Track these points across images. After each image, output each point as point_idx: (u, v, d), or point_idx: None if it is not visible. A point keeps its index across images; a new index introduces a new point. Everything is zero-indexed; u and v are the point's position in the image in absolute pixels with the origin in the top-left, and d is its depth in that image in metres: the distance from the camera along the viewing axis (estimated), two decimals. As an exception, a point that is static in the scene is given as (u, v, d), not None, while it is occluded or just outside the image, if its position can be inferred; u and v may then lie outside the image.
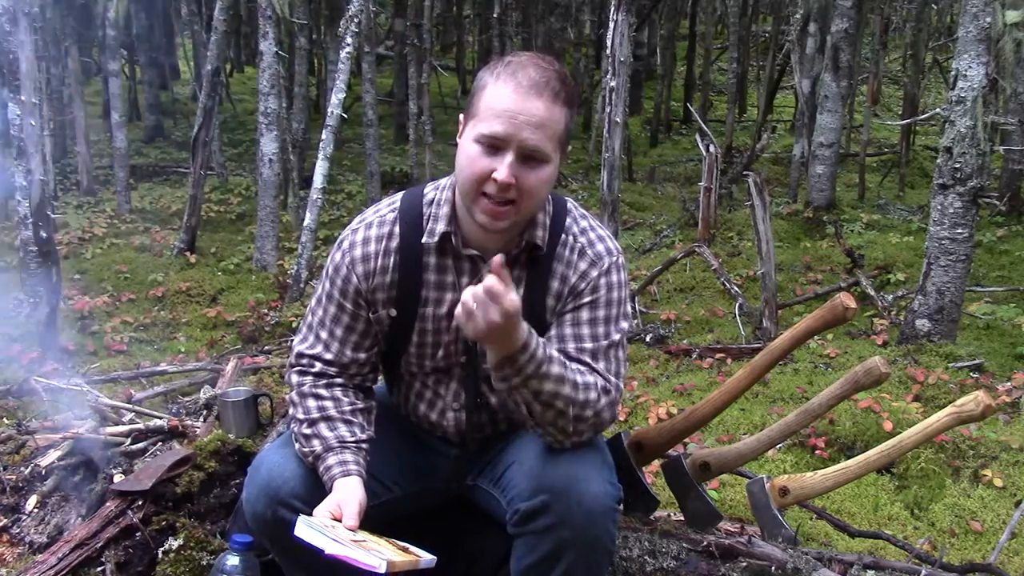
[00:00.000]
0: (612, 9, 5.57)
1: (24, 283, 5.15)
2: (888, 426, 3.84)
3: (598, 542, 1.69)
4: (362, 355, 1.88)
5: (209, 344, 5.75)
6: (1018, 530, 3.10)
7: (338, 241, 1.87)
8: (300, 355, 1.89)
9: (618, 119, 5.62)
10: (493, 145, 1.65)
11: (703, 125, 8.79)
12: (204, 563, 2.15)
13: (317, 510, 1.69)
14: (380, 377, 2.05)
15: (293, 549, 1.71)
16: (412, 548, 1.72)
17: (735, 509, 3.19)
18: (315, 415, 1.83)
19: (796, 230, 8.33)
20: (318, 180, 6.42)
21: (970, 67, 4.80)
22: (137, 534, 2.19)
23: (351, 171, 11.69)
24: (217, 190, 10.52)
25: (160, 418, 2.60)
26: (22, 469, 2.45)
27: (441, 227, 1.79)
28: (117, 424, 2.62)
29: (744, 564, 2.08)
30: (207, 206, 9.52)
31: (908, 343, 5.14)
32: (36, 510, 2.35)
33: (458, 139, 1.73)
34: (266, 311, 6.34)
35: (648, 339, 5.64)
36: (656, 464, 2.45)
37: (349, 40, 6.40)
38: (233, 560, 1.90)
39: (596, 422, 1.72)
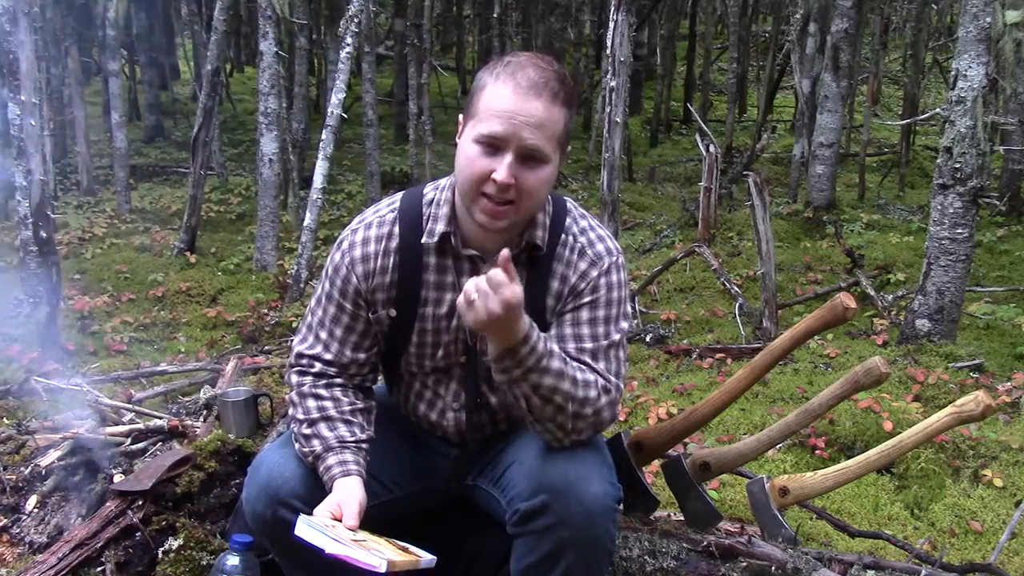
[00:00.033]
0: (612, 9, 5.57)
1: (24, 283, 5.15)
2: (888, 426, 3.84)
3: (598, 542, 1.69)
4: (362, 355, 1.88)
5: (209, 344, 5.75)
6: (1018, 530, 3.10)
7: (338, 241, 1.87)
8: (300, 355, 1.89)
9: (618, 119, 5.62)
10: (492, 145, 1.65)
11: (703, 125, 8.79)
12: (204, 563, 2.15)
13: (317, 510, 1.69)
14: (380, 377, 2.05)
15: (293, 549, 1.71)
16: (412, 548, 1.72)
17: (735, 509, 3.19)
18: (315, 415, 1.83)
19: (796, 230, 8.33)
20: (318, 180, 6.42)
21: (970, 67, 4.80)
22: (137, 534, 2.19)
23: (351, 171, 11.69)
24: (217, 190, 10.52)
25: (160, 418, 2.60)
26: (22, 469, 2.45)
27: (441, 227, 1.79)
28: (117, 424, 2.62)
29: (744, 564, 2.08)
30: (207, 206, 9.52)
31: (908, 343, 5.14)
32: (36, 510, 2.35)
33: (457, 139, 1.73)
34: (266, 311, 6.34)
35: (648, 339, 5.64)
36: (656, 464, 2.45)
37: (349, 40, 6.40)
38: (233, 560, 1.90)
39: (595, 421, 1.72)
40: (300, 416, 1.84)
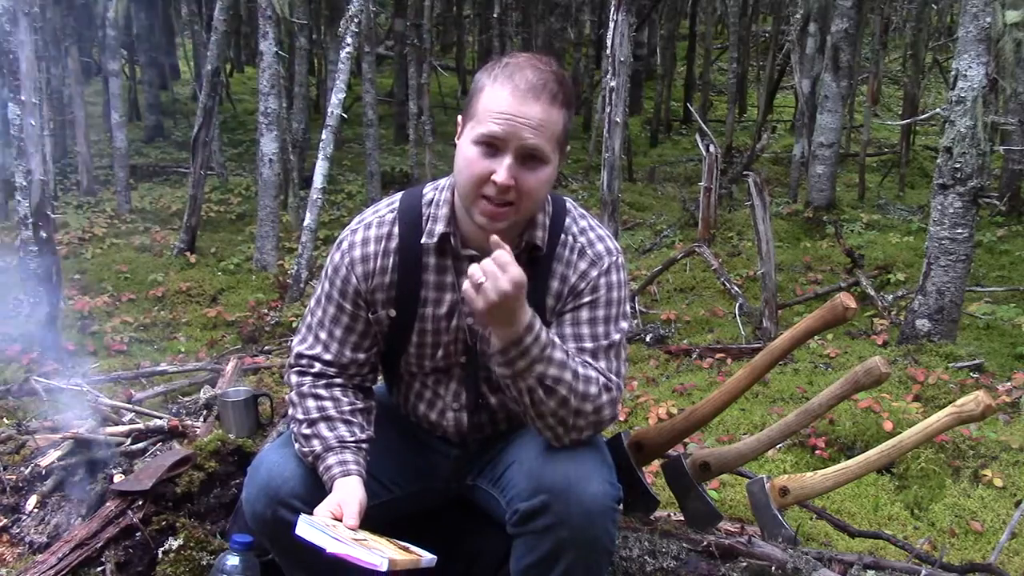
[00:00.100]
0: (612, 9, 5.57)
1: (24, 283, 5.15)
2: (888, 426, 3.84)
3: (598, 542, 1.69)
4: (361, 355, 1.88)
5: (209, 344, 5.75)
6: (1018, 530, 3.10)
7: (337, 242, 1.87)
8: (299, 355, 1.89)
9: (618, 119, 5.62)
10: (492, 146, 1.65)
11: (703, 125, 8.78)
12: (204, 563, 2.15)
13: (318, 510, 1.70)
14: (380, 377, 2.05)
15: (293, 549, 1.71)
16: (412, 548, 1.72)
17: (735, 509, 3.19)
18: (315, 415, 1.83)
19: (796, 230, 8.34)
20: (318, 180, 6.42)
21: (970, 67, 4.80)
22: (137, 534, 2.19)
23: (351, 171, 11.69)
24: (217, 190, 10.52)
25: (160, 418, 2.61)
26: (22, 469, 2.45)
27: (440, 228, 1.79)
28: (117, 424, 2.62)
29: (744, 564, 2.08)
30: (207, 206, 9.52)
31: (908, 343, 5.14)
32: (36, 510, 2.35)
33: (456, 140, 1.73)
34: (266, 311, 6.34)
35: (648, 339, 5.64)
36: (656, 464, 2.45)
37: (349, 40, 6.40)
38: (233, 560, 1.90)
39: (596, 419, 1.72)
40: (300, 416, 1.84)
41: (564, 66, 12.98)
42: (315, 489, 1.76)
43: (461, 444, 1.98)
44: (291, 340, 2.00)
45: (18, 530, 2.31)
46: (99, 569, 2.15)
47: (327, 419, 1.82)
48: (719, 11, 14.47)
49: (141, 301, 6.81)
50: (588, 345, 1.77)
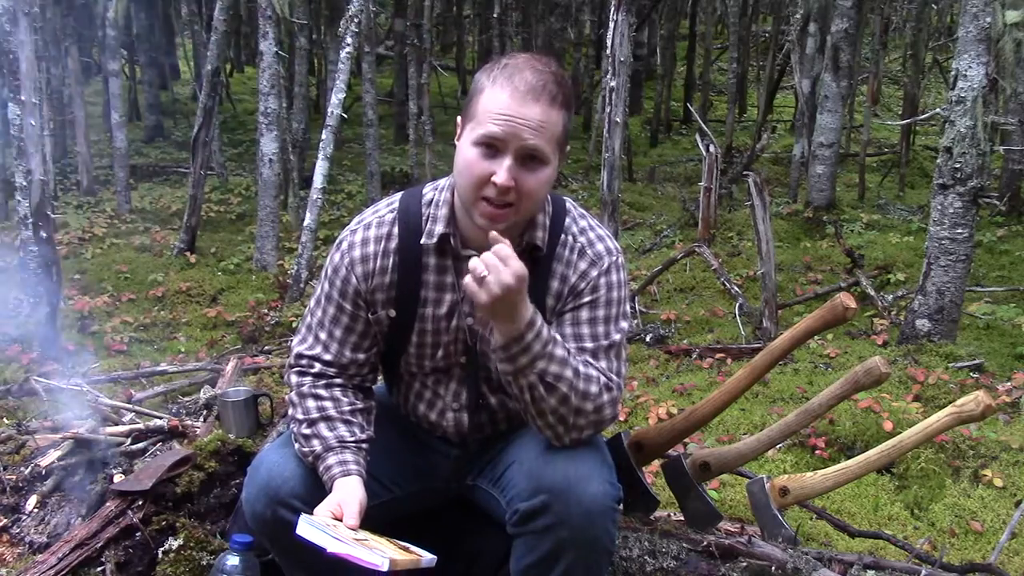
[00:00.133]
0: (612, 9, 5.57)
1: (24, 283, 5.15)
2: (888, 426, 3.84)
3: (598, 542, 1.69)
4: (361, 356, 1.88)
5: (209, 344, 5.75)
6: (1018, 530, 3.10)
7: (337, 242, 1.87)
8: (299, 356, 1.89)
9: (618, 119, 5.62)
10: (492, 148, 1.65)
11: (703, 125, 8.79)
12: (204, 563, 2.15)
13: (318, 509, 1.70)
14: (380, 377, 2.05)
15: (293, 549, 1.71)
16: (413, 548, 1.72)
17: (735, 509, 3.19)
18: (315, 415, 1.83)
19: (796, 230, 8.34)
20: (318, 180, 6.42)
21: (970, 67, 4.80)
22: (137, 534, 2.19)
23: (351, 171, 11.69)
24: (217, 190, 10.52)
25: (160, 418, 2.61)
26: (22, 469, 2.45)
27: (440, 228, 1.79)
28: (117, 424, 2.62)
29: (744, 564, 2.08)
30: (207, 206, 9.52)
31: (908, 343, 5.14)
32: (36, 510, 2.35)
33: (456, 141, 1.73)
34: (266, 311, 6.34)
35: (648, 339, 5.64)
36: (656, 464, 2.45)
37: (349, 40, 6.40)
38: (233, 560, 1.90)
39: (597, 419, 1.72)
40: (300, 416, 1.84)
41: (564, 66, 13.00)
42: (315, 489, 1.76)
43: (461, 444, 1.98)
44: (291, 340, 2.00)
45: (18, 530, 2.31)
46: (99, 569, 2.15)
47: (327, 419, 1.82)
48: (719, 11, 14.47)
49: (141, 301, 6.81)
50: (588, 345, 1.77)
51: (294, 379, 1.89)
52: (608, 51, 5.69)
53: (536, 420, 1.71)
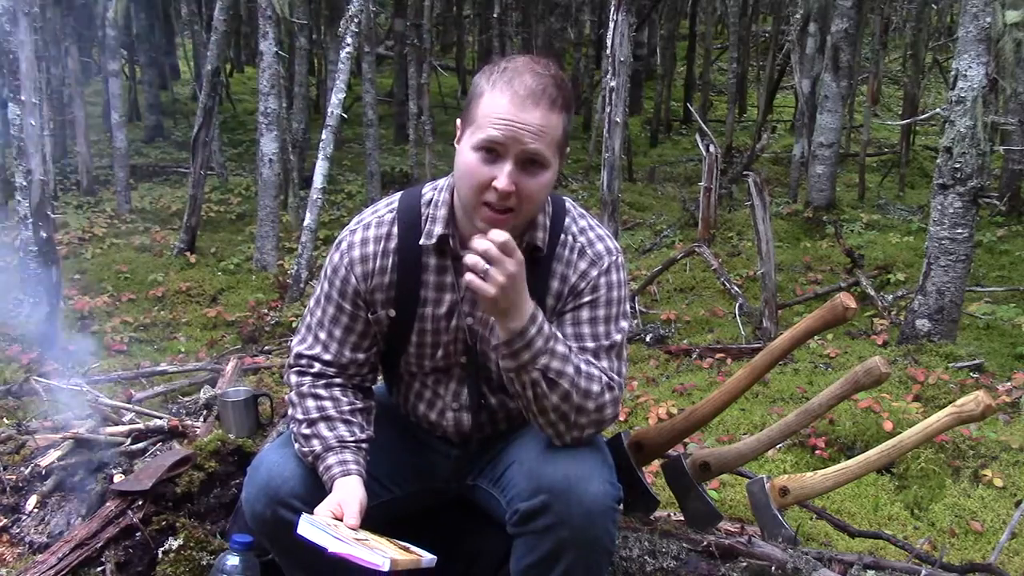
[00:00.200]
0: (612, 9, 5.57)
1: (24, 283, 5.15)
2: (888, 426, 3.84)
3: (598, 542, 1.69)
4: (361, 355, 1.88)
5: (209, 344, 5.75)
6: (1018, 530, 3.10)
7: (336, 242, 1.87)
8: (299, 355, 1.89)
9: (618, 119, 5.62)
10: (492, 152, 1.64)
11: (703, 125, 8.78)
12: (204, 563, 2.15)
13: (318, 509, 1.70)
14: (380, 377, 2.05)
15: (293, 549, 1.72)
16: (413, 548, 1.72)
17: (735, 509, 3.19)
18: (314, 415, 1.83)
19: (796, 230, 8.34)
20: (318, 180, 6.42)
21: (970, 67, 4.80)
22: (137, 534, 2.19)
23: (351, 171, 11.69)
24: (217, 190, 10.52)
25: (160, 418, 2.61)
26: (22, 469, 2.45)
27: (439, 229, 1.79)
28: (117, 424, 2.62)
29: (744, 564, 2.08)
30: (207, 206, 9.52)
31: (908, 343, 5.14)
32: (36, 510, 2.35)
33: (456, 144, 1.73)
34: (266, 311, 6.34)
35: (648, 339, 5.64)
36: (656, 464, 2.45)
37: (349, 40, 6.40)
38: (233, 560, 1.90)
39: (598, 418, 1.72)
40: (299, 416, 1.84)
41: (564, 66, 13.02)
42: (315, 489, 1.76)
43: (461, 444, 1.98)
44: (291, 340, 2.00)
45: (18, 530, 2.31)
46: (99, 569, 2.15)
47: (327, 419, 1.83)
48: (719, 11, 14.47)
49: (141, 301, 6.81)
50: (589, 345, 1.77)
51: (294, 379, 1.89)
52: (608, 51, 5.69)
53: (538, 418, 1.71)
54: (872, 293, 6.14)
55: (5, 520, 2.32)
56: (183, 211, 8.38)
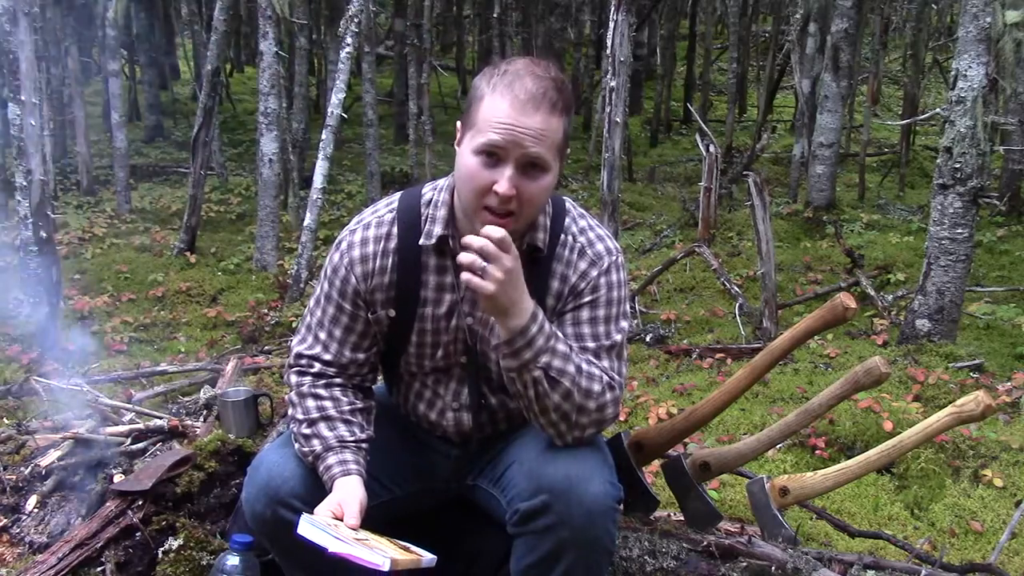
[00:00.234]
0: (612, 9, 5.57)
1: (24, 283, 5.15)
2: (888, 426, 3.84)
3: (598, 542, 1.69)
4: (361, 355, 1.88)
5: (209, 344, 5.75)
6: (1018, 530, 3.10)
7: (336, 242, 1.87)
8: (299, 355, 1.89)
9: (618, 119, 5.62)
10: (493, 156, 1.64)
11: (703, 125, 8.78)
12: (204, 563, 2.15)
13: (318, 509, 1.70)
14: (380, 377, 2.05)
15: (293, 549, 1.72)
16: (413, 548, 1.72)
17: (735, 509, 3.19)
18: (314, 415, 1.83)
19: (796, 230, 8.34)
20: (318, 180, 6.42)
21: (970, 67, 4.80)
22: (137, 534, 2.19)
23: (351, 171, 11.69)
24: (217, 190, 10.52)
25: (160, 418, 2.61)
26: (22, 469, 2.45)
27: (438, 230, 1.79)
28: (117, 424, 2.62)
29: (744, 564, 2.08)
30: (207, 206, 9.52)
31: (908, 343, 5.14)
32: (36, 510, 2.35)
33: (456, 146, 1.73)
34: (266, 311, 6.34)
35: (648, 339, 5.64)
36: (656, 464, 2.45)
37: (349, 40, 6.40)
38: (233, 560, 1.90)
39: (599, 417, 1.72)
40: (299, 416, 1.84)
41: (564, 66, 13.02)
42: (315, 489, 1.76)
43: (461, 444, 1.98)
44: (291, 340, 2.00)
45: (18, 530, 2.31)
46: (99, 569, 2.15)
47: (327, 419, 1.83)
48: (719, 11, 14.47)
49: (141, 301, 6.81)
50: (590, 345, 1.77)
51: (294, 379, 1.89)
52: (608, 51, 5.68)
53: (539, 418, 1.71)
54: (872, 293, 6.14)
55: (5, 520, 2.32)
56: (183, 211, 8.37)
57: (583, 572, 1.72)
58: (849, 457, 3.01)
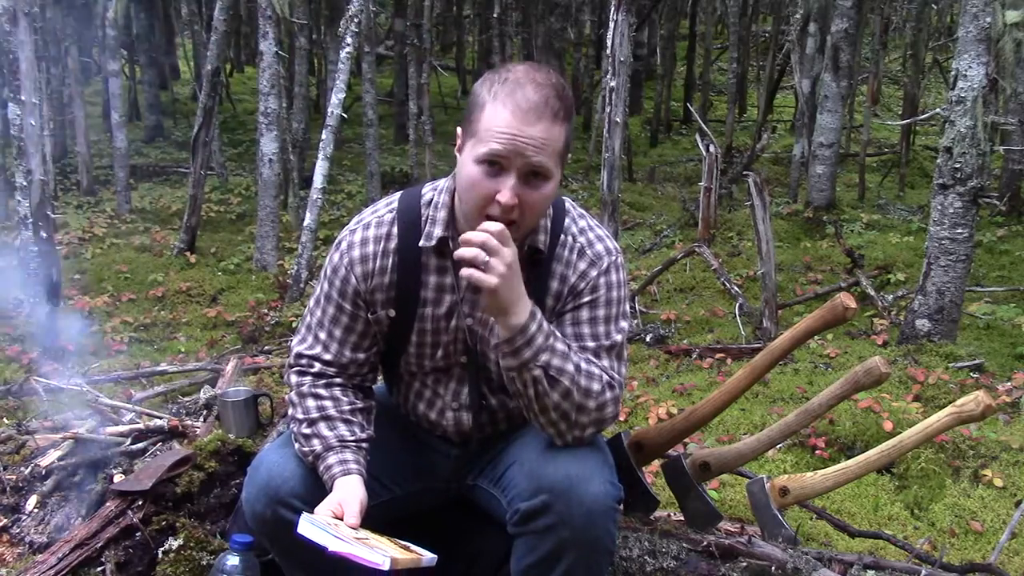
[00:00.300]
0: (612, 9, 5.57)
1: (24, 283, 5.15)
2: (888, 426, 3.84)
3: (598, 542, 1.69)
4: (361, 355, 1.88)
5: (209, 344, 5.75)
6: (1018, 530, 3.10)
7: (336, 242, 1.87)
8: (299, 355, 1.89)
9: (618, 119, 5.62)
10: (495, 165, 1.64)
11: (703, 125, 8.78)
12: (204, 563, 2.15)
13: (318, 509, 1.70)
14: (380, 377, 2.05)
15: (293, 549, 1.72)
16: (413, 547, 1.72)
17: (735, 509, 3.19)
18: (315, 415, 1.83)
19: (796, 230, 8.34)
20: (318, 180, 6.42)
21: (970, 67, 4.80)
22: (137, 534, 2.19)
23: (351, 171, 11.69)
24: (217, 190, 10.52)
25: (160, 418, 2.61)
26: (22, 469, 2.45)
27: (438, 231, 1.79)
28: (117, 424, 2.62)
29: (744, 564, 2.08)
30: (207, 206, 9.52)
31: (908, 343, 5.14)
32: (36, 510, 2.35)
33: (457, 152, 1.73)
34: (266, 311, 6.34)
35: (648, 339, 5.64)
36: (656, 464, 2.45)
37: (349, 40, 6.40)
38: (233, 560, 1.90)
39: (599, 417, 1.72)
40: (300, 416, 1.84)
41: (564, 66, 13.01)
42: (315, 489, 1.76)
43: (461, 444, 1.98)
44: (291, 340, 2.00)
45: (18, 530, 2.31)
46: (99, 569, 2.15)
47: (327, 419, 1.83)
48: (719, 11, 14.47)
49: (141, 301, 6.81)
50: (590, 345, 1.77)
51: (294, 379, 1.89)
52: (608, 51, 5.68)
53: (539, 418, 1.71)
54: (872, 293, 6.14)
55: (5, 520, 2.32)
56: (183, 211, 8.38)
57: (583, 572, 1.72)
58: (849, 457, 3.01)
